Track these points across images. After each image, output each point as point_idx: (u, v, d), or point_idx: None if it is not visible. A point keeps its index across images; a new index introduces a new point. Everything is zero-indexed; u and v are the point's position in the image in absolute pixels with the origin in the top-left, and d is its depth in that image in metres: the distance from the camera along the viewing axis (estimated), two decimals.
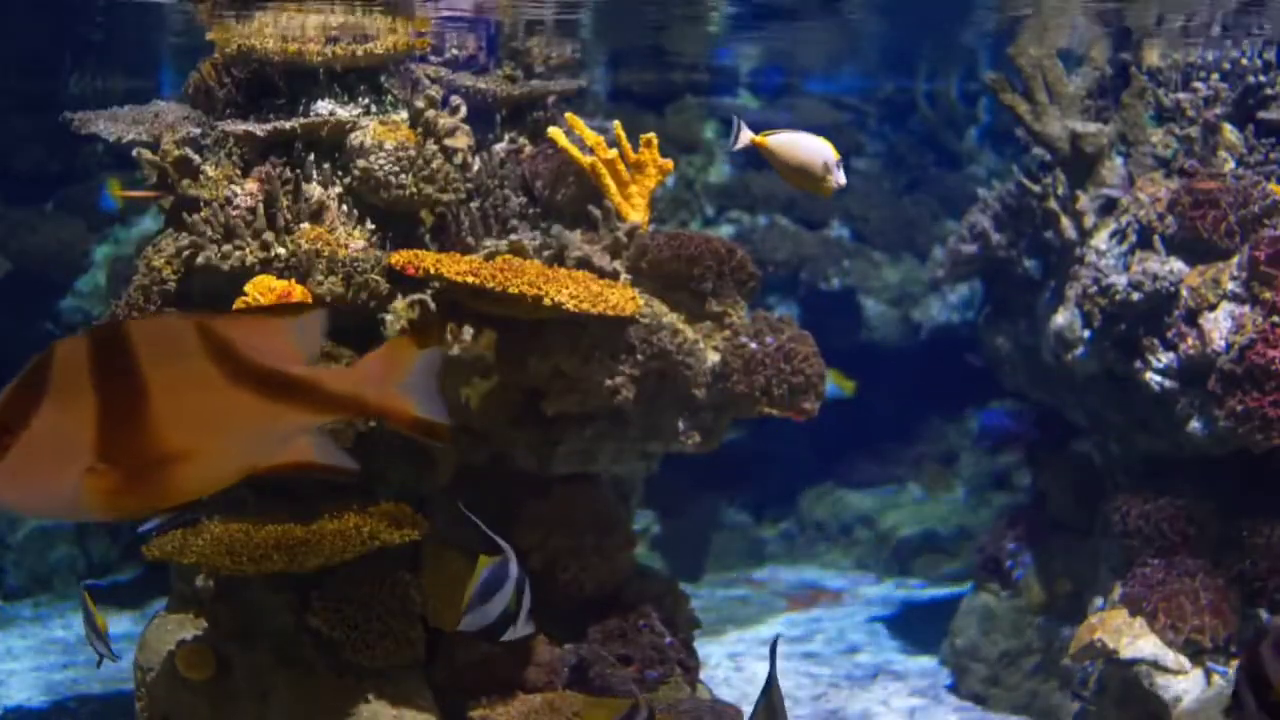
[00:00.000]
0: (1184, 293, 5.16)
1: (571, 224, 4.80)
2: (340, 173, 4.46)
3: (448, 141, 4.47)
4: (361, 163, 4.37)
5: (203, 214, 4.23)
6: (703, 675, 4.94)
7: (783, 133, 3.73)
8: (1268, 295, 4.95)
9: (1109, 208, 5.65)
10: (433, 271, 4.16)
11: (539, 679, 4.52)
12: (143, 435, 2.15)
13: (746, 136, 3.78)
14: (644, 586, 4.87)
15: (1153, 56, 6.14)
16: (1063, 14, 6.22)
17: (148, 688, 4.33)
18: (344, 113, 4.54)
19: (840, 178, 3.75)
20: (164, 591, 4.79)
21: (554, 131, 4.75)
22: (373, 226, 4.41)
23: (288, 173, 4.38)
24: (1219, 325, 5.03)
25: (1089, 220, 5.65)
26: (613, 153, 4.72)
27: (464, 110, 4.57)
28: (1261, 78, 5.63)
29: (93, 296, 7.76)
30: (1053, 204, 5.82)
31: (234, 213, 4.24)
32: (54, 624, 7.09)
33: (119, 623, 6.92)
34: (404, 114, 4.58)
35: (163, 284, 4.33)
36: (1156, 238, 5.30)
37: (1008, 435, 6.86)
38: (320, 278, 4.16)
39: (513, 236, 4.60)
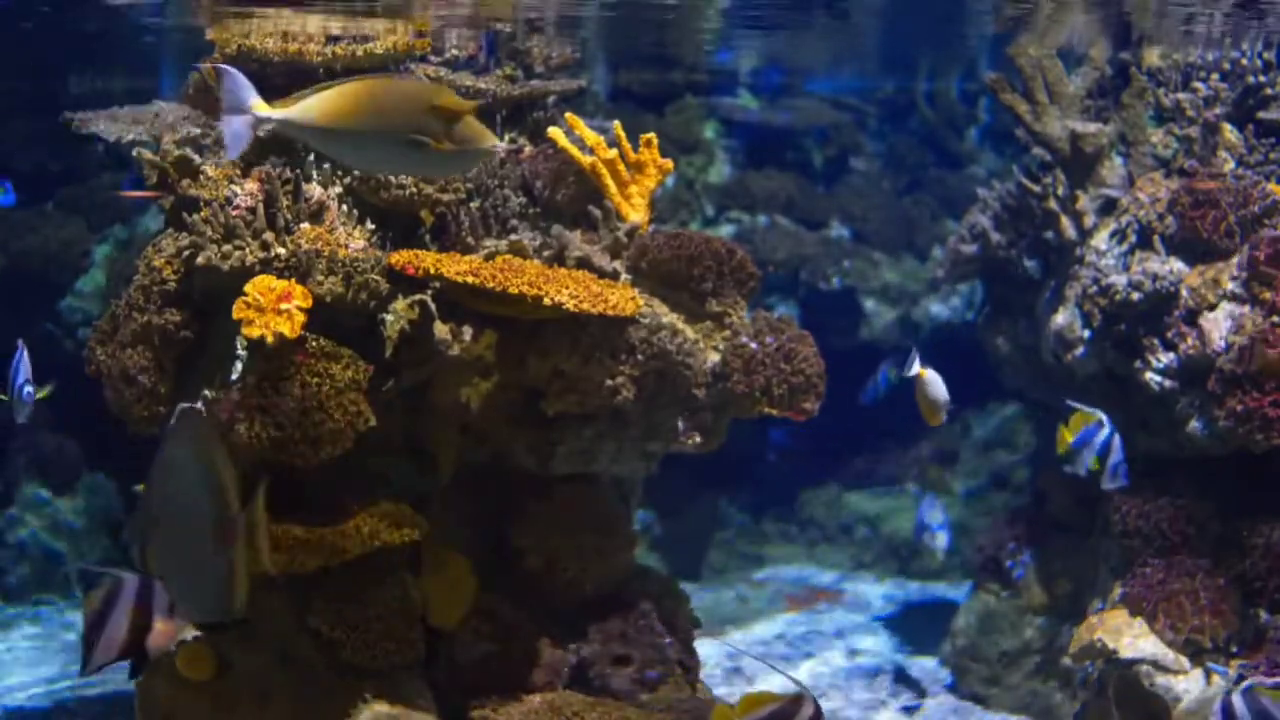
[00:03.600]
0: (1184, 293, 5.16)
1: (571, 224, 4.80)
2: (340, 173, 4.46)
3: None
4: None
5: (203, 214, 4.23)
6: (703, 675, 4.94)
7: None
8: (1268, 295, 4.95)
9: (1109, 208, 5.65)
10: (433, 271, 4.16)
11: (539, 679, 4.52)
12: None
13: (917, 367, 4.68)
14: (644, 586, 4.87)
15: (1153, 56, 6.14)
16: (1062, 14, 6.22)
17: (148, 688, 4.33)
18: None
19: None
20: None
21: (554, 131, 4.75)
22: (373, 226, 4.41)
23: (288, 173, 4.38)
24: (1219, 325, 5.03)
25: (1089, 220, 5.65)
26: (613, 153, 4.73)
27: None
28: (1261, 78, 5.63)
29: (93, 296, 7.75)
30: (1053, 204, 5.82)
31: (234, 213, 4.24)
32: (54, 624, 7.09)
33: None
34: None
35: (163, 284, 4.33)
36: (1156, 238, 5.30)
37: None
38: (320, 278, 4.16)
39: (513, 236, 4.60)
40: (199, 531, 3.07)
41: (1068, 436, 4.81)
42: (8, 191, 6.09)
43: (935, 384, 4.67)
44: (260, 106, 3.33)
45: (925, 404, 4.70)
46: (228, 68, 3.38)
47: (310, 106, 3.34)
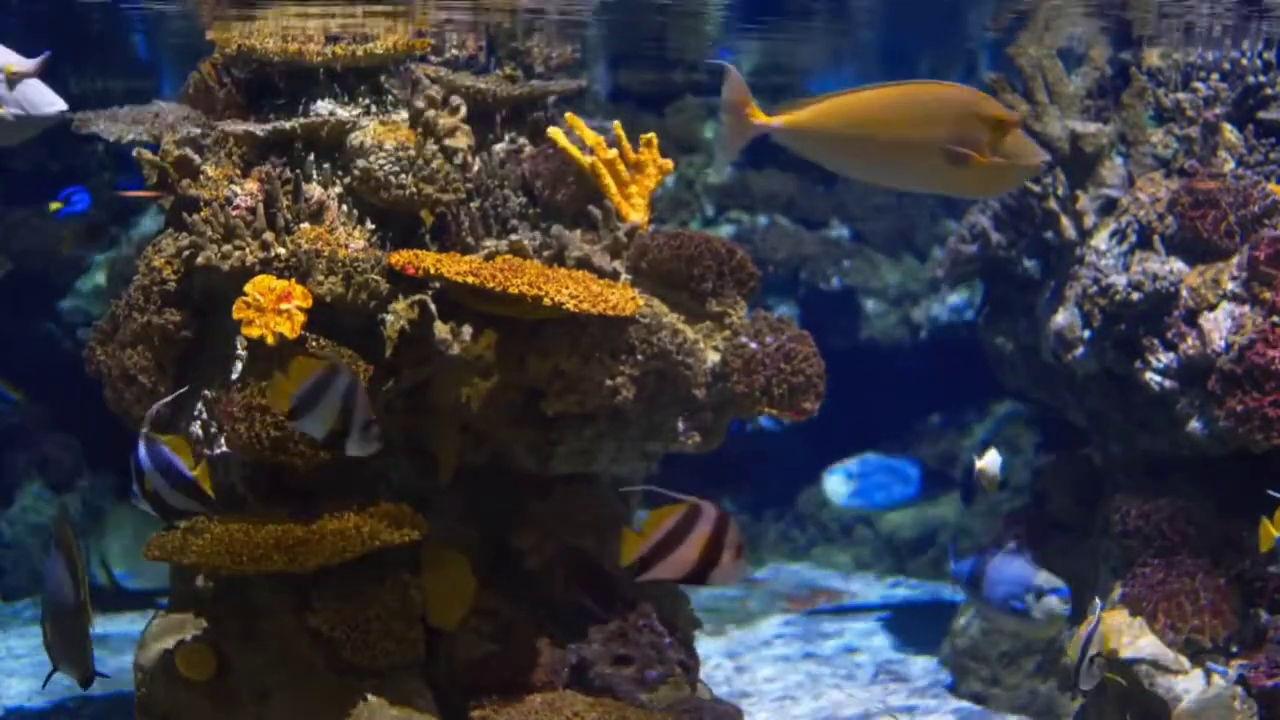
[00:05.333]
0: (1184, 293, 5.16)
1: (571, 224, 4.80)
2: (340, 173, 4.46)
3: (448, 141, 4.47)
4: (361, 163, 4.37)
5: (203, 214, 4.23)
6: (702, 675, 4.94)
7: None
8: (1268, 295, 4.95)
9: (1109, 208, 5.65)
10: (433, 271, 4.16)
11: (539, 679, 4.52)
12: None
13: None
14: (644, 586, 4.87)
15: (1153, 56, 6.14)
16: (1062, 15, 6.22)
17: (148, 688, 4.33)
18: (344, 113, 4.54)
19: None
20: (164, 592, 4.79)
21: (554, 131, 4.75)
22: (373, 226, 4.41)
23: (288, 173, 4.38)
24: (1219, 325, 5.04)
25: (1089, 220, 5.65)
26: (613, 153, 4.73)
27: (464, 110, 4.57)
28: (1261, 78, 5.63)
29: (93, 296, 7.76)
30: (1053, 204, 5.82)
31: (234, 213, 4.24)
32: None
33: (119, 622, 6.93)
34: (404, 114, 4.58)
35: (163, 284, 4.34)
36: (1156, 238, 5.30)
37: None
38: (320, 278, 4.16)
39: (513, 236, 4.60)
40: (67, 615, 3.87)
41: (1273, 531, 4.24)
42: (83, 199, 6.09)
43: (993, 465, 4.90)
44: (758, 114, 3.15)
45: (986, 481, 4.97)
46: (730, 66, 3.18)
47: (824, 112, 3.12)
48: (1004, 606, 4.36)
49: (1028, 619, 4.40)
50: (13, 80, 3.29)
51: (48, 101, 3.40)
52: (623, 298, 4.25)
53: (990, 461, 4.85)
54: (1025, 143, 3.08)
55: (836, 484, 5.83)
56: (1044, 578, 4.35)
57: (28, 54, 3.42)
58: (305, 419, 3.55)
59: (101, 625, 6.93)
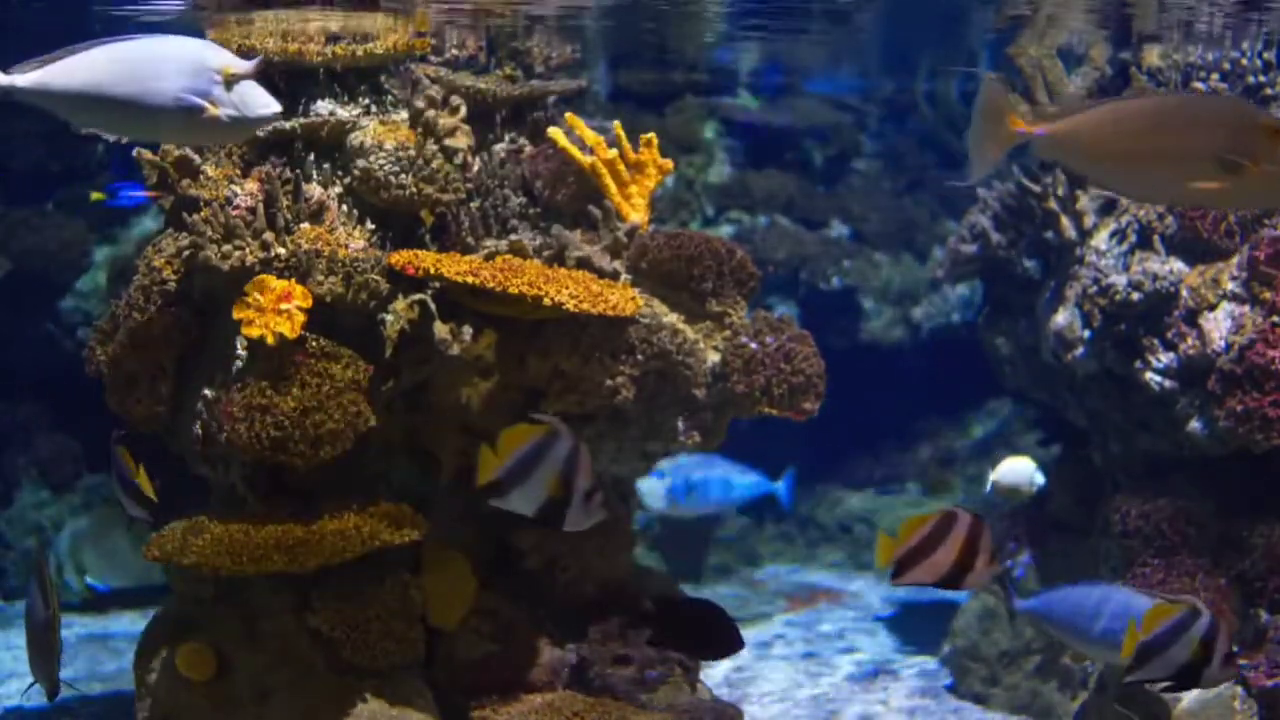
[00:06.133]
0: (1184, 293, 5.16)
1: (571, 224, 4.80)
2: (340, 173, 4.46)
3: (448, 141, 4.47)
4: (361, 163, 4.37)
5: (203, 214, 4.23)
6: (702, 675, 4.94)
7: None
8: (1268, 295, 4.95)
9: (1109, 208, 5.65)
10: (433, 271, 4.16)
11: (539, 679, 4.52)
12: None
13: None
14: (644, 586, 4.87)
15: (1153, 56, 6.14)
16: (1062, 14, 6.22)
17: (148, 688, 4.33)
18: (344, 113, 4.54)
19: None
20: (164, 591, 4.79)
21: (554, 131, 4.75)
22: (373, 226, 4.41)
23: (287, 173, 4.38)
24: (1219, 325, 5.04)
25: (1089, 220, 5.65)
26: (613, 153, 4.73)
27: (464, 110, 4.57)
28: (1261, 78, 5.64)
29: (93, 296, 7.75)
30: (1053, 204, 5.82)
31: (234, 213, 4.24)
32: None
33: (119, 622, 6.93)
34: (404, 114, 4.58)
35: (163, 284, 4.33)
36: (1156, 238, 5.30)
37: None
38: (320, 278, 4.16)
39: (513, 236, 4.60)
40: (39, 632, 4.14)
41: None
42: (133, 196, 6.07)
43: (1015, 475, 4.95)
44: (1019, 122, 3.07)
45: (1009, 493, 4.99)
46: (989, 73, 3.13)
47: (1091, 121, 3.04)
48: (1107, 641, 3.96)
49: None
50: (230, 82, 3.24)
51: (263, 103, 3.35)
52: (623, 298, 4.25)
53: (1013, 472, 4.82)
54: None
55: (652, 486, 5.73)
56: (1146, 603, 3.89)
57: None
58: (514, 494, 3.26)
59: (101, 625, 6.94)
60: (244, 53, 3.90)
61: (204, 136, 3.60)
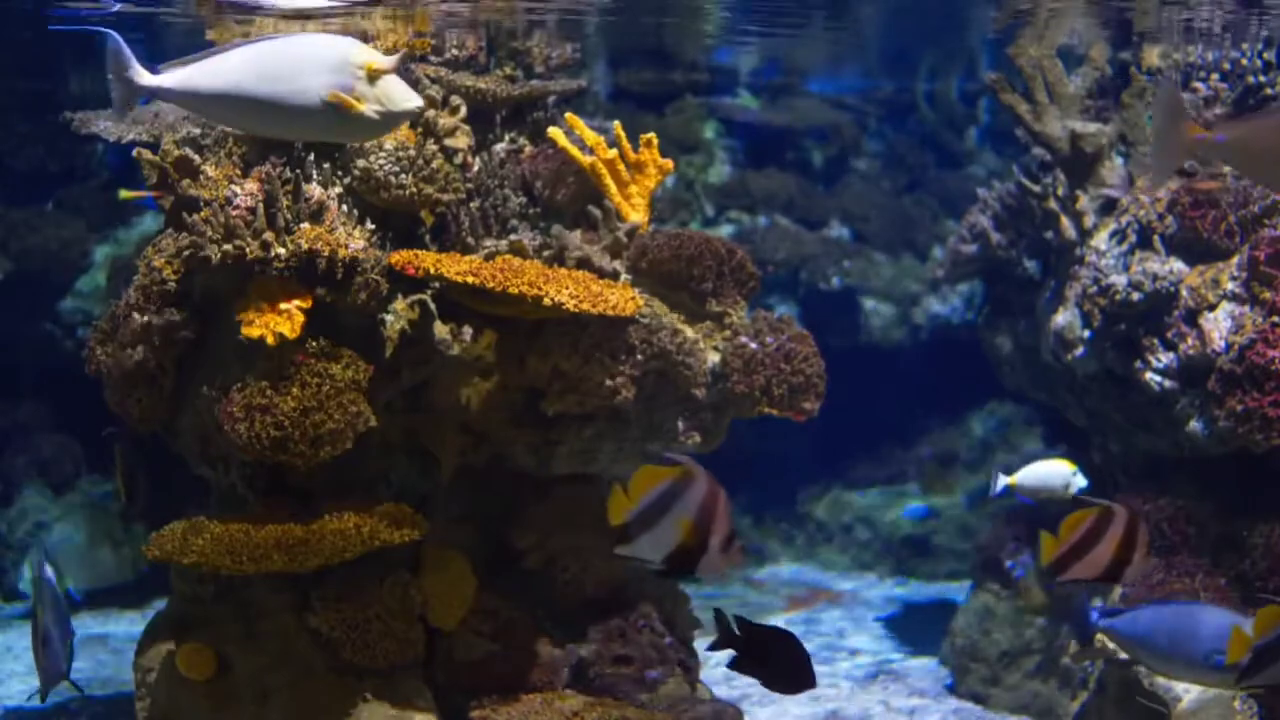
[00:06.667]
0: (1184, 293, 5.16)
1: (571, 224, 4.80)
2: (340, 173, 4.46)
3: (448, 141, 4.47)
4: (361, 163, 4.37)
5: (203, 214, 4.23)
6: (702, 675, 4.94)
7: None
8: (1268, 295, 4.95)
9: (1109, 208, 5.65)
10: (433, 271, 4.16)
11: (539, 679, 4.52)
12: None
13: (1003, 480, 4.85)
14: (644, 586, 4.87)
15: (1153, 56, 6.14)
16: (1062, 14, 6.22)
17: (148, 688, 4.33)
18: None
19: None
20: (164, 591, 4.79)
21: (554, 131, 4.75)
22: (373, 226, 4.41)
23: (288, 172, 4.37)
24: (1219, 325, 5.03)
25: (1089, 220, 5.65)
26: (613, 153, 4.73)
27: (464, 110, 4.57)
28: (1261, 78, 5.63)
29: (93, 296, 7.75)
30: (1053, 204, 5.82)
31: (234, 213, 4.23)
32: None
33: (119, 622, 6.93)
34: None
35: (163, 284, 4.33)
36: (1156, 238, 5.30)
37: None
38: None
39: (513, 236, 4.60)
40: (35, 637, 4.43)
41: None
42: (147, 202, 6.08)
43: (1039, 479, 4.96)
44: (1195, 129, 3.05)
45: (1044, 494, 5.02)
46: (1166, 78, 3.00)
47: (1272, 127, 3.02)
48: (1209, 663, 3.72)
49: None
50: (373, 76, 3.23)
51: (405, 97, 3.34)
52: (623, 298, 4.25)
53: (1049, 475, 4.79)
54: None
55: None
56: (1243, 618, 3.66)
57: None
58: (642, 540, 3.02)
59: (100, 625, 6.94)
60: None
61: (349, 133, 3.59)
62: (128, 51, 3.26)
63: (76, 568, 7.15)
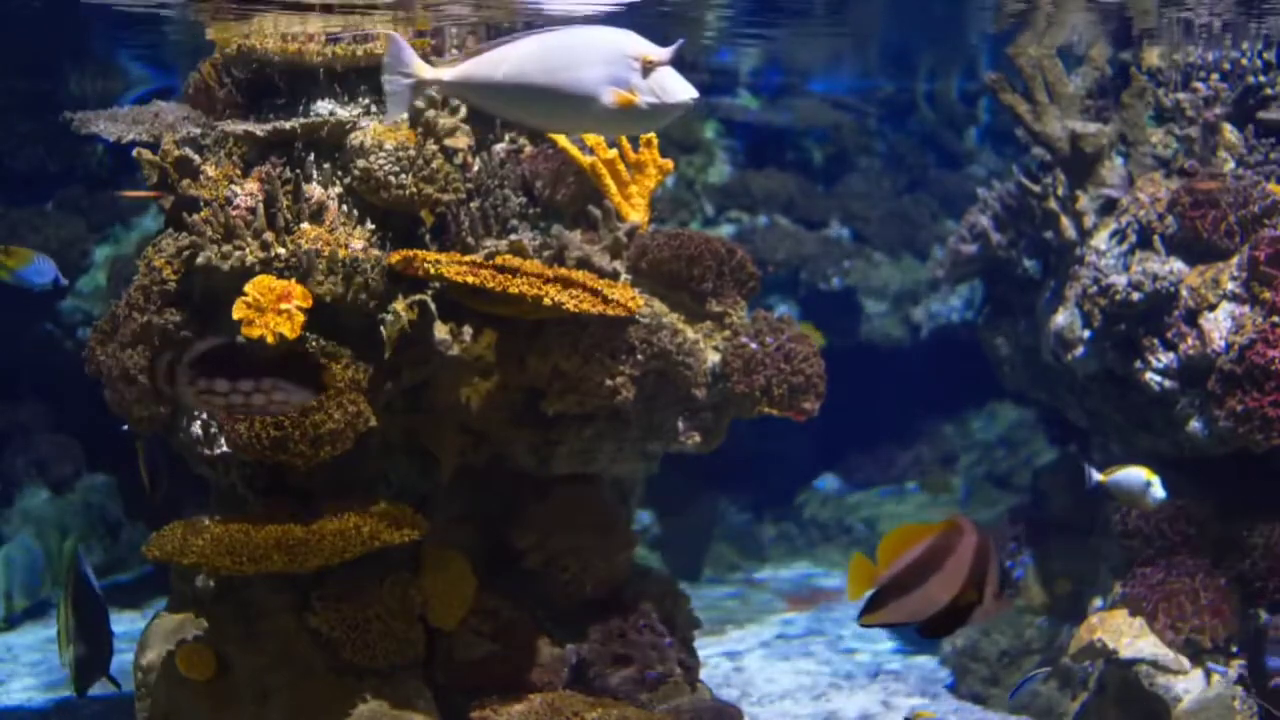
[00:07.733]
0: (1184, 293, 5.16)
1: (571, 224, 4.80)
2: (340, 173, 4.46)
3: (448, 141, 4.47)
4: (361, 163, 4.37)
5: (203, 214, 4.23)
6: (702, 675, 4.94)
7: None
8: (1268, 295, 4.95)
9: (1109, 208, 5.65)
10: (433, 271, 4.16)
11: (539, 679, 4.52)
12: None
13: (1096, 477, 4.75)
14: (644, 586, 4.87)
15: (1153, 56, 6.14)
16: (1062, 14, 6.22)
17: (148, 688, 4.33)
18: (344, 113, 4.53)
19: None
20: (164, 591, 4.79)
21: None
22: (373, 226, 4.41)
23: (288, 173, 4.38)
24: (1219, 325, 5.03)
25: (1089, 220, 5.65)
26: (613, 153, 4.73)
27: (464, 110, 4.57)
28: (1261, 78, 5.63)
29: (93, 296, 7.76)
30: (1053, 204, 5.82)
31: (234, 213, 4.24)
32: (54, 623, 7.08)
33: (119, 623, 6.92)
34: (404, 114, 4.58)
35: (163, 284, 4.33)
36: (1156, 238, 5.30)
37: None
38: (320, 278, 4.16)
39: (513, 236, 4.60)
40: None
41: None
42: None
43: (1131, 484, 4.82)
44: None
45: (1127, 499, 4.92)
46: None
47: None
48: None
49: None
50: (648, 68, 3.21)
51: (681, 89, 3.30)
52: (623, 298, 4.25)
53: (1128, 480, 4.75)
54: None
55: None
56: None
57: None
58: (901, 603, 2.71)
59: None
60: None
61: (625, 125, 3.53)
62: (409, 49, 3.34)
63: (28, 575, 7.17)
